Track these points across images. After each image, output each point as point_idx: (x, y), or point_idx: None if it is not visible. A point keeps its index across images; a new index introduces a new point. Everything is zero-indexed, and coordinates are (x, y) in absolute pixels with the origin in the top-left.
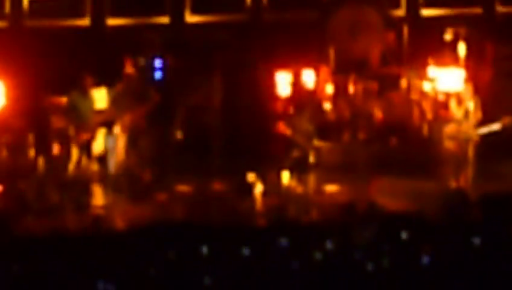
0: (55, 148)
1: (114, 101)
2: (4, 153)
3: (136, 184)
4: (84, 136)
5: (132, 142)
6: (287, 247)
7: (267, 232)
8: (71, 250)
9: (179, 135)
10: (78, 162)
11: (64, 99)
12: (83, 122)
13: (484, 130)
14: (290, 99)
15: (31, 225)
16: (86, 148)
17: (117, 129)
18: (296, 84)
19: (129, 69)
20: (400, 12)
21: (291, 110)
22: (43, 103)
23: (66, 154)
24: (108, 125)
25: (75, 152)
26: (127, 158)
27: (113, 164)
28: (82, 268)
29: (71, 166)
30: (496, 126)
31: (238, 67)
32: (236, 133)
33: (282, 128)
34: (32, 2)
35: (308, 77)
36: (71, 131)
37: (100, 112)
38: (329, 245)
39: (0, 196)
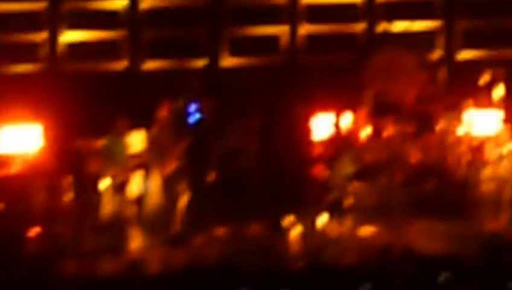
0: (90, 192)
1: (149, 144)
2: (41, 196)
3: (172, 227)
4: (119, 180)
5: (167, 185)
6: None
7: (304, 275)
8: None
9: (211, 176)
10: (114, 205)
11: (99, 142)
12: (118, 165)
13: None
14: (327, 142)
15: (67, 268)
16: (121, 191)
17: (152, 172)
18: (333, 127)
19: (163, 112)
20: (437, 54)
21: (328, 152)
22: (79, 145)
23: (101, 197)
24: (145, 168)
25: (110, 195)
26: (162, 201)
27: (149, 207)
28: None
29: (106, 209)
30: None
31: (275, 110)
32: (274, 176)
33: (319, 170)
34: (68, 45)
35: (346, 120)
36: (106, 174)
37: (136, 155)
38: (365, 288)
39: (36, 239)
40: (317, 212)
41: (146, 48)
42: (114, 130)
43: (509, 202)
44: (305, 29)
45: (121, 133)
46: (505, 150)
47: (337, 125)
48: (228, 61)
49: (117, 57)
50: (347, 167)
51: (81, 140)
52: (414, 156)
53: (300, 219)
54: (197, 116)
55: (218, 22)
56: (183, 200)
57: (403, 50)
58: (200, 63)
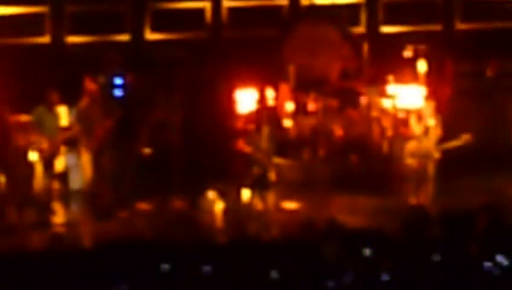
0: (17, 166)
1: (78, 118)
2: None
3: (98, 201)
4: (48, 153)
5: (96, 159)
6: (246, 264)
7: (228, 249)
8: (31, 268)
9: (147, 150)
10: (40, 179)
11: (25, 117)
12: (48, 138)
13: (445, 146)
14: (250, 117)
15: None
16: (49, 165)
17: (81, 146)
18: (256, 101)
19: (91, 86)
20: (360, 29)
21: (251, 127)
22: (5, 120)
23: (27, 172)
24: (71, 142)
25: (38, 169)
26: (90, 175)
27: (76, 181)
28: (42, 286)
29: (34, 183)
30: (456, 143)
31: (198, 84)
32: (197, 151)
33: (242, 145)
34: None
35: (268, 95)
36: (35, 147)
37: (64, 129)
38: (289, 262)
39: None
40: (241, 187)
41: (69, 22)
42: (45, 102)
43: (431, 176)
44: (228, 3)
45: (51, 106)
46: (427, 124)
47: (260, 100)
48: (152, 36)
49: (41, 32)
50: (270, 142)
51: (7, 114)
52: (338, 131)
53: (224, 193)
54: (122, 90)
55: None
56: (110, 174)
57: (326, 24)
58: (124, 37)
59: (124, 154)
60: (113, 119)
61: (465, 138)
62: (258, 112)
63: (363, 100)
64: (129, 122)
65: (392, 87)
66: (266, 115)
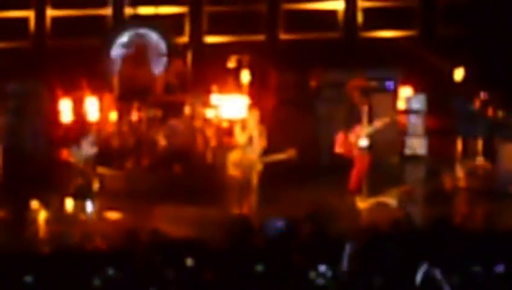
0: None
1: None
2: None
3: None
4: None
5: None
6: (69, 273)
7: (51, 259)
8: None
9: None
10: None
11: None
12: None
13: (269, 159)
14: (73, 126)
15: None
16: None
17: None
18: (79, 111)
19: None
20: (184, 39)
21: (74, 136)
22: None
23: None
24: None
25: None
26: None
27: None
28: None
29: None
30: (281, 156)
31: (22, 94)
32: (20, 160)
33: (66, 155)
34: None
35: (92, 104)
36: None
37: None
38: (111, 272)
39: None
40: (64, 196)
41: None
42: None
43: (254, 186)
44: (52, 12)
45: None
46: (251, 134)
47: (83, 110)
48: None
49: None
50: (93, 151)
51: None
52: (161, 140)
53: (46, 202)
54: None
55: None
56: None
57: (150, 34)
58: None
59: None
60: None
61: (289, 153)
62: (81, 122)
63: (187, 110)
64: None
65: (215, 97)
66: (89, 124)
